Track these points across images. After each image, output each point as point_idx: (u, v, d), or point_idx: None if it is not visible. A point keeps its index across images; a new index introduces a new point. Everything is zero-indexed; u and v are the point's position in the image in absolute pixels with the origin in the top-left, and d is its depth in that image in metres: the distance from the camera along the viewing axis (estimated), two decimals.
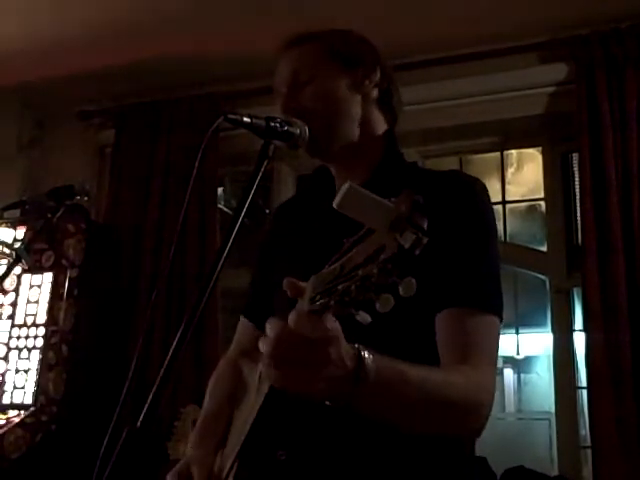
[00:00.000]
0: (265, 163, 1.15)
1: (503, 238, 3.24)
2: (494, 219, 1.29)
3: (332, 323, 0.83)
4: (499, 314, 1.20)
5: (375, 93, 1.39)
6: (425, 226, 0.69)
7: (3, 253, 3.11)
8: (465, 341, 1.13)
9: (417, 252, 0.69)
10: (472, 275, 1.19)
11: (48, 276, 3.02)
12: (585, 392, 2.66)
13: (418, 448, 1.15)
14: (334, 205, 0.73)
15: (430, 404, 1.01)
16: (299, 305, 0.85)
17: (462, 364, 1.10)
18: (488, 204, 1.29)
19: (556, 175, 3.08)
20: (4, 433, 2.75)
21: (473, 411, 1.08)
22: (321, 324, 0.81)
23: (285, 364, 0.85)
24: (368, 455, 1.16)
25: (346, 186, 0.73)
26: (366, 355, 0.89)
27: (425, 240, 0.69)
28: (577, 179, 2.95)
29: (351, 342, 0.88)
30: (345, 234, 1.30)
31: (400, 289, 0.72)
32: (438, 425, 1.07)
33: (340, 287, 0.76)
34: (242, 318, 1.59)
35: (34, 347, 2.95)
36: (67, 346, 2.93)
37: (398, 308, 1.17)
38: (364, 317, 0.79)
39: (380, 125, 1.40)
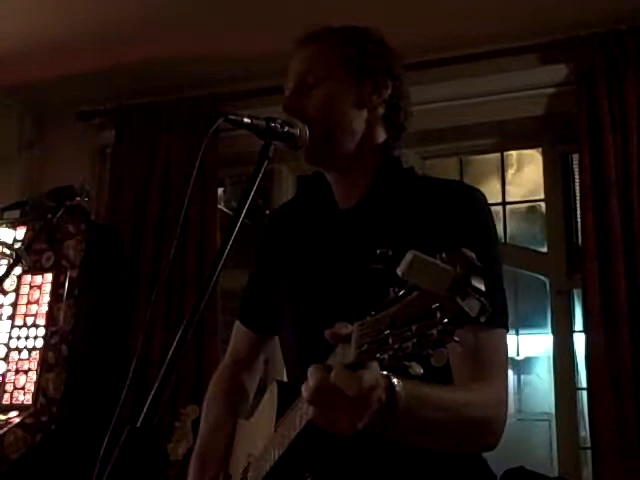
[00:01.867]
0: (265, 164, 1.15)
1: (503, 239, 3.23)
2: (495, 229, 1.30)
3: (375, 372, 0.84)
4: (506, 326, 1.22)
5: (381, 109, 1.36)
6: (484, 289, 0.70)
7: (3, 253, 3.11)
8: (477, 357, 1.14)
9: (482, 319, 0.70)
10: None
11: (48, 276, 3.02)
12: (585, 393, 2.66)
13: (440, 467, 1.18)
14: (399, 273, 0.72)
15: (456, 425, 1.04)
16: (341, 352, 0.86)
17: (477, 381, 1.12)
18: (489, 215, 1.29)
19: (556, 176, 3.08)
20: (4, 433, 2.75)
21: (492, 427, 1.11)
22: (364, 380, 0.83)
23: (326, 411, 0.87)
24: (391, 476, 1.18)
25: (410, 255, 0.73)
26: (396, 382, 0.91)
27: (489, 307, 0.70)
28: (577, 180, 2.95)
29: None
30: (351, 247, 1.30)
31: (457, 347, 0.74)
32: (461, 444, 1.10)
33: (391, 340, 0.76)
34: (238, 324, 1.58)
35: (34, 347, 2.95)
36: (67, 346, 2.93)
37: None
38: (416, 369, 0.80)
39: (381, 138, 1.38)
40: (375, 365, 0.83)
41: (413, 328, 0.73)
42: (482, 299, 0.70)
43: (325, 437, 1.12)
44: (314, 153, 1.32)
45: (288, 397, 1.07)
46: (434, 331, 0.72)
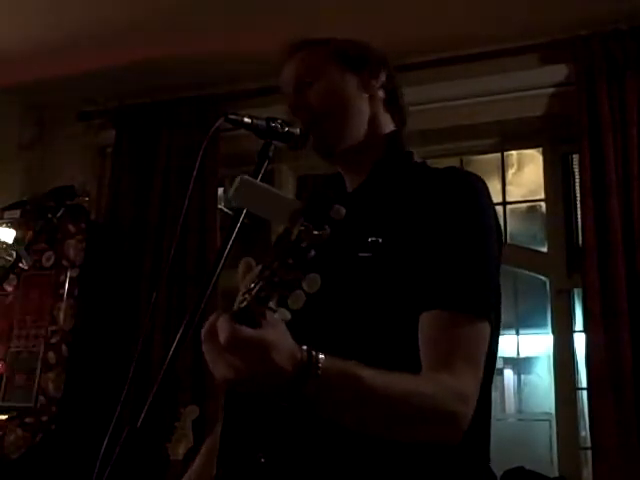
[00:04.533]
0: (266, 164, 1.15)
1: (503, 239, 3.23)
2: (493, 217, 1.24)
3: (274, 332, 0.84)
4: (489, 318, 1.13)
5: (382, 94, 1.38)
6: (321, 219, 0.69)
7: (3, 253, 3.11)
8: (447, 347, 1.08)
9: (304, 244, 0.69)
10: (461, 276, 1.13)
11: (48, 276, 3.03)
12: (585, 393, 2.66)
13: (411, 451, 1.11)
14: (228, 197, 0.73)
15: (391, 411, 0.99)
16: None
17: (441, 371, 1.05)
18: (487, 201, 1.24)
19: (556, 176, 3.08)
20: (4, 433, 2.75)
21: (444, 421, 1.03)
22: (238, 332, 0.82)
23: (208, 352, 0.87)
24: (352, 457, 1.12)
25: (239, 178, 0.72)
26: (320, 356, 0.89)
27: (316, 233, 0.69)
28: (577, 180, 2.95)
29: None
30: (345, 234, 1.29)
31: (304, 285, 0.72)
32: (404, 433, 1.03)
33: (255, 285, 0.77)
34: None
35: (34, 347, 2.95)
36: (67, 346, 2.93)
37: (381, 306, 1.15)
38: (284, 314, 0.80)
39: (388, 125, 1.39)
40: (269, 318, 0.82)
41: (274, 265, 0.73)
42: (309, 225, 0.69)
43: (274, 414, 1.11)
44: (325, 143, 1.32)
45: None
46: (276, 265, 0.71)
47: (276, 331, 0.84)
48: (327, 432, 1.09)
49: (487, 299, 1.15)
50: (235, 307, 0.84)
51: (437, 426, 1.04)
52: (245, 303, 0.80)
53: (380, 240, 1.18)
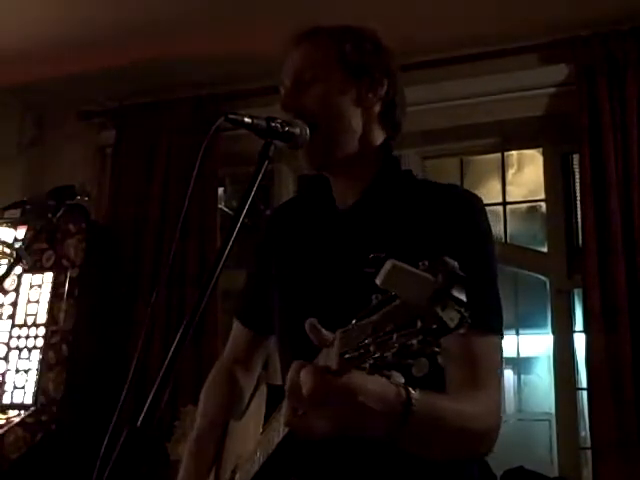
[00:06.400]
0: (266, 163, 1.14)
1: (503, 239, 3.24)
2: (491, 234, 1.29)
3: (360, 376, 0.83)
4: (501, 333, 1.21)
5: (378, 107, 1.36)
6: (465, 299, 0.69)
7: (3, 253, 3.11)
8: (473, 364, 1.13)
9: (462, 331, 0.70)
10: (476, 296, 1.18)
11: (48, 276, 3.03)
12: (585, 393, 2.66)
13: (429, 468, 1.17)
14: (377, 282, 0.72)
15: (459, 436, 1.03)
16: (324, 356, 0.86)
17: (474, 389, 1.11)
18: (487, 221, 1.29)
19: (557, 176, 3.08)
20: (4, 433, 2.75)
21: (490, 437, 1.10)
22: (345, 383, 0.83)
23: (310, 412, 0.87)
24: (373, 473, 1.18)
25: (389, 264, 0.72)
26: (412, 392, 0.91)
27: (469, 318, 0.69)
28: (577, 180, 2.95)
29: None
30: (346, 250, 1.29)
31: (438, 358, 0.73)
32: (460, 453, 1.10)
33: (372, 349, 0.75)
34: (236, 322, 1.57)
35: (34, 347, 2.96)
36: (67, 346, 2.93)
37: None
38: (397, 379, 0.79)
39: (379, 137, 1.38)
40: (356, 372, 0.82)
41: (394, 337, 0.73)
42: (462, 310, 0.69)
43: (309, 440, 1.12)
44: (315, 155, 1.32)
45: (277, 399, 1.07)
46: (414, 341, 0.71)
47: (364, 376, 0.83)
48: (356, 454, 1.16)
49: (500, 315, 1.22)
50: (334, 364, 0.82)
51: (484, 442, 1.10)
52: (352, 362, 0.79)
53: (382, 256, 1.19)
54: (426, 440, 0.98)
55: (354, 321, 0.79)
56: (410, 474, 1.18)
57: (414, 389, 0.91)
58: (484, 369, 1.14)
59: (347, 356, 0.80)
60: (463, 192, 1.35)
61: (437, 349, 0.72)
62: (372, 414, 0.87)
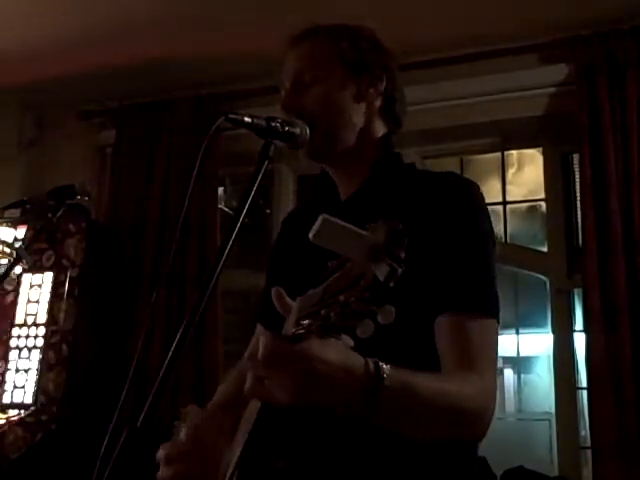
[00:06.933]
0: (266, 163, 1.15)
1: (504, 239, 3.24)
2: (490, 221, 1.29)
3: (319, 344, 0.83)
4: (497, 317, 1.20)
5: (379, 102, 1.38)
6: (402, 255, 0.69)
7: (3, 253, 3.11)
8: (467, 347, 1.13)
9: (391, 284, 0.69)
10: (469, 279, 1.19)
11: (48, 276, 3.03)
12: (585, 392, 2.66)
13: (418, 451, 1.15)
14: (310, 237, 0.72)
15: (445, 415, 1.02)
16: (286, 325, 0.86)
17: (467, 371, 1.10)
18: (483, 207, 1.29)
19: (557, 176, 3.08)
20: (4, 433, 2.75)
21: (481, 418, 1.09)
22: (302, 349, 0.82)
23: (268, 379, 0.86)
24: (367, 460, 1.16)
25: (321, 218, 0.72)
26: (384, 367, 0.90)
27: (400, 271, 0.69)
28: (577, 180, 2.95)
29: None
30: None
31: (379, 317, 0.73)
32: (449, 433, 1.08)
33: (322, 312, 0.76)
34: (259, 325, 1.57)
35: (34, 347, 2.95)
36: (67, 346, 2.93)
37: (397, 313, 1.17)
38: (347, 341, 0.80)
39: (380, 131, 1.39)
40: (315, 339, 0.82)
41: (340, 299, 0.73)
42: (394, 264, 0.69)
43: (295, 420, 1.11)
44: (316, 148, 1.32)
45: None
46: (353, 299, 0.71)
47: (325, 345, 0.83)
48: (344, 436, 1.14)
49: (494, 299, 1.21)
50: (290, 330, 0.83)
51: (476, 423, 1.09)
52: (303, 330, 0.79)
53: None
54: (403, 418, 0.97)
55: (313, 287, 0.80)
56: (403, 465, 1.16)
57: (386, 364, 0.90)
58: (477, 351, 1.13)
59: (302, 322, 0.80)
60: (460, 179, 1.36)
61: (375, 308, 0.72)
62: (333, 384, 0.85)
